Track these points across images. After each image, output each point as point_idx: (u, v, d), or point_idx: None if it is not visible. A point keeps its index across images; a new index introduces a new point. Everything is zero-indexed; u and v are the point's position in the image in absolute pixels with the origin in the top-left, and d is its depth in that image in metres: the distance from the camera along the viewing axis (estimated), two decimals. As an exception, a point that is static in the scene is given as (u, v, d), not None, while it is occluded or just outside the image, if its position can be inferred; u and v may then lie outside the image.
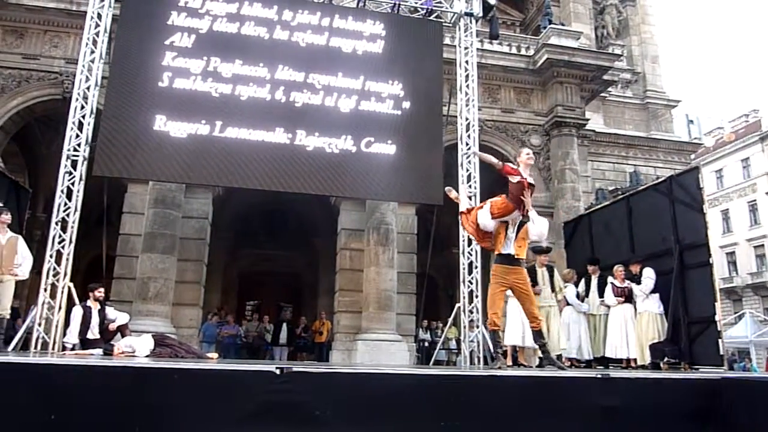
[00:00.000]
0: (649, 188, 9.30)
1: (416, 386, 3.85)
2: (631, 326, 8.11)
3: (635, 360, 8.01)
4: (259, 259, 18.89)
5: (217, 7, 8.87)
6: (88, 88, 8.45)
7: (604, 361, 8.56)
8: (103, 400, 3.30)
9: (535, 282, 8.37)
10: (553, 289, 8.44)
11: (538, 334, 5.99)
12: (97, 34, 8.63)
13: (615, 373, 5.00)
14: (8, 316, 7.00)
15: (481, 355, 8.73)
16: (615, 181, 17.83)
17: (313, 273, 18.50)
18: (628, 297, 8.19)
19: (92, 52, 8.57)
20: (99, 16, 8.69)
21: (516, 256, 5.83)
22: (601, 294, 8.59)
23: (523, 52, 14.30)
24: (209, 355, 8.34)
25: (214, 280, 15.71)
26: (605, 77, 14.75)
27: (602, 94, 16.81)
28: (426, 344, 14.43)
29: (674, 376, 4.95)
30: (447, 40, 10.91)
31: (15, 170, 13.68)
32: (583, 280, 8.96)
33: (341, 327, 12.67)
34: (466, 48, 9.85)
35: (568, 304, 8.72)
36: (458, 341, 12.28)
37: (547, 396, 4.03)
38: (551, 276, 8.51)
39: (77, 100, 8.36)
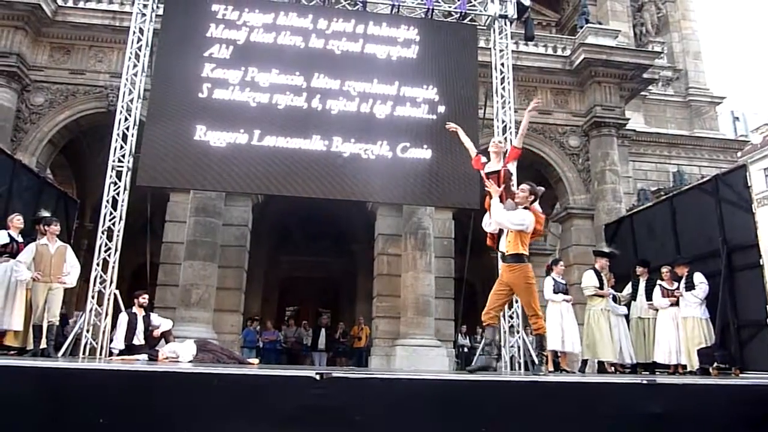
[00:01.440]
0: (693, 188, 9.01)
1: (456, 392, 3.82)
2: (681, 330, 7.84)
3: (684, 366, 7.76)
4: (298, 266, 19.08)
5: (254, 18, 9.04)
6: (131, 101, 8.73)
7: (651, 367, 8.32)
8: (148, 404, 3.38)
9: (601, 286, 8.28)
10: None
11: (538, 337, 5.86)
12: (139, 48, 8.92)
13: (661, 378, 4.85)
14: (58, 323, 7.23)
15: (521, 361, 8.60)
16: (657, 181, 17.35)
17: (351, 278, 18.58)
18: (677, 299, 7.92)
19: (135, 65, 8.85)
20: (141, 30, 8.97)
21: (506, 253, 5.48)
22: (649, 297, 8.33)
23: (559, 52, 14.09)
24: (250, 360, 8.46)
25: (254, 286, 15.93)
26: (645, 75, 14.39)
27: (642, 93, 16.41)
28: (465, 350, 14.32)
29: (725, 382, 4.78)
30: (482, 43, 10.87)
31: (63, 181, 14.21)
32: (630, 283, 8.74)
33: (380, 332, 12.67)
34: (501, 50, 9.77)
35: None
36: (498, 347, 12.14)
37: (589, 402, 3.94)
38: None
39: (121, 112, 8.64)
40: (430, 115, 9.11)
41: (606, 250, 8.98)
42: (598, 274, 8.41)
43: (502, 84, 9.68)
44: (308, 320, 15.22)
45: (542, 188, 5.78)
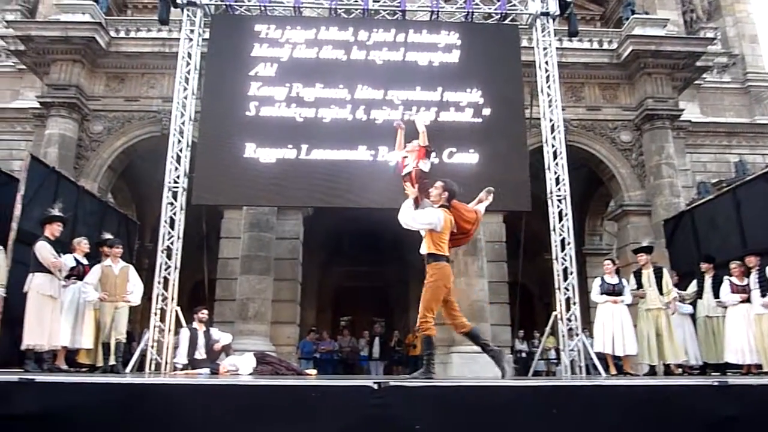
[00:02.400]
0: (758, 177, 8.58)
1: (516, 398, 3.75)
2: (755, 328, 7.42)
3: (758, 366, 7.35)
4: (351, 276, 19.21)
5: (296, 35, 9.22)
6: (183, 123, 9.03)
7: (722, 368, 7.94)
8: (212, 417, 3.46)
9: (639, 285, 7.99)
10: (661, 292, 7.96)
11: (471, 336, 5.59)
12: (188, 72, 9.22)
13: (734, 379, 4.62)
14: (125, 340, 7.52)
15: (582, 365, 8.38)
16: (718, 172, 16.60)
17: (403, 286, 18.55)
18: (748, 296, 7.52)
19: (185, 89, 9.15)
20: (189, 55, 9.28)
21: (424, 253, 5.29)
22: (716, 294, 7.94)
23: (605, 46, 13.74)
24: (308, 371, 8.56)
25: (309, 297, 16.14)
26: (698, 63, 13.84)
27: (697, 82, 15.75)
28: (523, 355, 14.06)
29: (805, 382, 4.50)
30: (524, 42, 10.72)
31: (124, 204, 14.81)
32: (694, 281, 8.39)
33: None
34: (545, 48, 9.61)
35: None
36: (557, 351, 11.86)
37: (656, 405, 3.79)
38: (659, 277, 8.03)
39: (174, 135, 8.95)
40: (475, 118, 9.03)
41: (644, 243, 8.66)
42: (637, 273, 8.12)
43: (547, 82, 9.51)
44: (363, 330, 15.27)
45: (455, 184, 5.47)
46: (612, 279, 8.06)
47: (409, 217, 5.21)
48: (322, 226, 16.34)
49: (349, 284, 19.50)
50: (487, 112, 9.05)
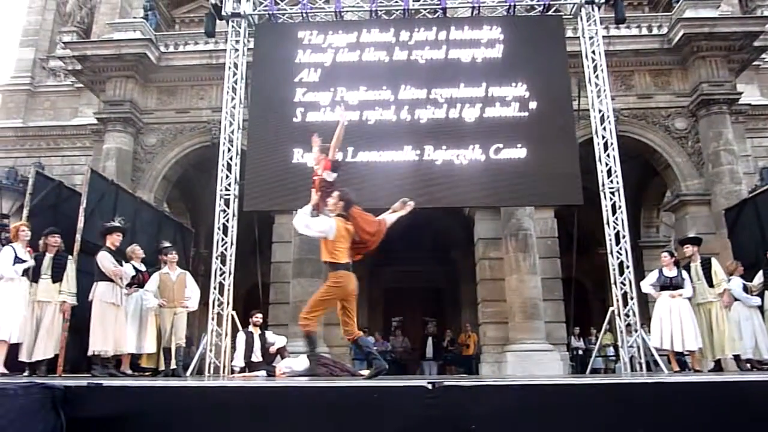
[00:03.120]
0: (827, 160, 8.12)
1: (574, 397, 3.66)
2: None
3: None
4: (400, 276, 19.22)
5: (338, 39, 9.30)
6: (232, 132, 9.25)
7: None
8: (270, 419, 3.52)
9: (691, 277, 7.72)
10: (711, 284, 7.65)
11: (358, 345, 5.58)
12: (235, 81, 9.45)
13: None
14: (184, 345, 7.77)
15: (642, 361, 8.12)
16: (782, 157, 15.78)
17: (453, 285, 18.46)
18: None
19: (233, 98, 9.38)
20: (235, 65, 9.50)
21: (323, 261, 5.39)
22: None
23: (655, 31, 13.27)
24: (361, 372, 8.60)
25: (360, 299, 16.11)
26: (756, 44, 13.19)
27: (755, 63, 15.02)
28: (580, 352, 13.74)
29: None
30: (569, 33, 10.49)
31: (179, 213, 15.29)
32: (761, 272, 8.01)
33: (488, 339, 12.45)
34: (591, 37, 9.38)
35: (735, 299, 7.83)
36: (615, 347, 11.54)
37: (724, 402, 3.63)
38: (707, 269, 7.72)
39: (224, 144, 9.18)
40: (521, 112, 8.89)
41: (690, 235, 8.33)
42: (686, 267, 7.85)
43: (595, 72, 9.27)
44: (414, 330, 15.25)
45: (352, 194, 5.57)
46: (670, 272, 7.77)
47: (302, 224, 5.36)
48: (371, 228, 16.38)
49: (399, 285, 19.52)
50: (533, 105, 8.90)
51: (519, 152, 8.73)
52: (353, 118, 8.94)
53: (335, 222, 5.20)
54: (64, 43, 15.86)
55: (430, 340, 14.28)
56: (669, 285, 7.66)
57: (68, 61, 14.67)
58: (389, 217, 5.81)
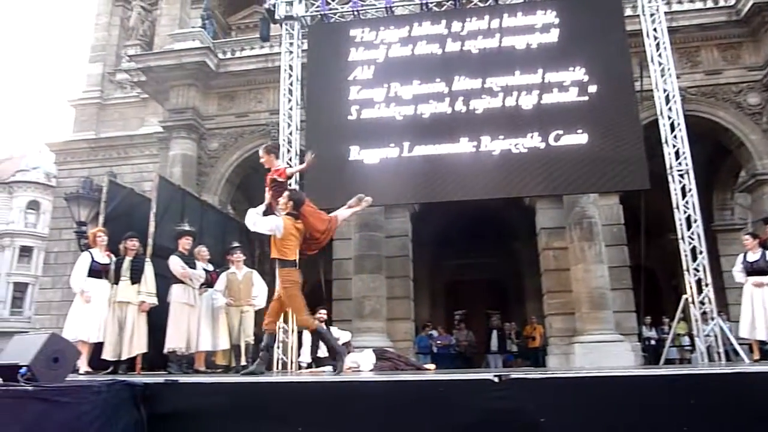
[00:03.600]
0: None
1: (647, 388, 3.54)
2: None
3: None
4: (461, 269, 19.09)
5: (390, 35, 9.31)
6: (290, 133, 9.44)
7: None
8: (338, 413, 3.59)
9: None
10: None
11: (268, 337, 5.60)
12: (291, 83, 9.63)
13: None
14: (253, 342, 8.00)
15: (721, 350, 7.75)
16: None
17: (516, 277, 18.16)
18: None
19: (289, 100, 9.56)
20: (290, 67, 9.68)
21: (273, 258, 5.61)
22: None
23: (721, 3, 12.56)
24: (427, 366, 8.62)
25: (421, 293, 16.23)
26: (836, 8, 12.28)
27: (836, 29, 13.99)
28: (652, 342, 13.25)
29: None
30: (628, 11, 10.09)
31: (242, 215, 15.65)
32: None
33: (554, 330, 12.19)
34: (652, 15, 9.00)
35: None
36: (690, 336, 11.05)
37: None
38: None
39: (283, 144, 9.38)
40: (580, 97, 8.64)
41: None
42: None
43: (657, 50, 8.89)
44: (477, 323, 15.12)
45: (302, 195, 5.88)
46: (753, 255, 7.36)
47: (251, 222, 5.65)
48: (429, 222, 16.39)
49: (460, 278, 19.39)
50: (593, 89, 8.62)
51: (580, 138, 8.49)
52: (408, 113, 8.94)
53: (283, 221, 5.40)
54: (128, 56, 16.62)
55: (494, 333, 14.12)
56: (751, 270, 7.27)
57: (133, 73, 15.36)
58: (341, 214, 6.09)
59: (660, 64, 8.86)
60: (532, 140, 8.54)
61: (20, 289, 35.87)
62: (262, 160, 6.39)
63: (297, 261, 5.51)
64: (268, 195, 6.07)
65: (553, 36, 8.96)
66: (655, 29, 8.95)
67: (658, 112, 8.80)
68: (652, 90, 9.01)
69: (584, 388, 3.54)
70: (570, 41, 8.92)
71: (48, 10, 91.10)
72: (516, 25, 9.08)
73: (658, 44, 8.91)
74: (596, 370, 4.68)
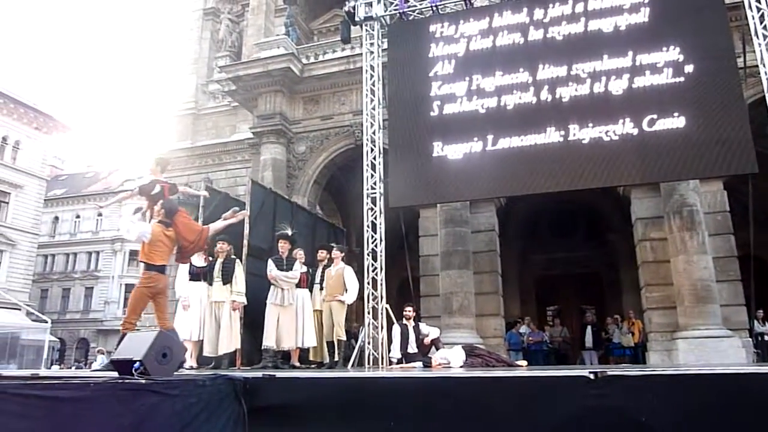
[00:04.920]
0: None
1: (760, 386, 3.29)
2: None
3: None
4: (551, 263, 18.57)
5: (470, 28, 9.20)
6: (374, 133, 9.57)
7: None
8: (430, 409, 3.61)
9: None
10: None
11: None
12: (373, 83, 9.76)
13: None
14: (344, 338, 8.20)
15: None
16: None
17: (611, 270, 17.41)
18: None
19: (372, 100, 9.69)
20: (372, 67, 9.81)
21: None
22: None
23: (838, -36, 11.40)
24: (518, 362, 8.46)
25: (510, 288, 15.95)
26: None
27: None
28: (766, 338, 12.27)
29: None
30: (727, -17, 9.38)
31: (330, 215, 16.16)
32: None
33: (654, 325, 11.58)
34: (755, -16, 8.30)
35: None
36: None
37: None
38: None
39: (367, 144, 9.52)
40: (676, 78, 8.12)
41: None
42: None
43: (762, 23, 8.20)
44: (571, 318, 14.64)
45: (174, 204, 6.13)
46: None
47: (125, 228, 6.13)
48: (516, 216, 16.09)
49: (551, 272, 18.86)
50: (689, 68, 8.08)
51: (677, 121, 7.99)
52: (491, 105, 8.80)
53: (151, 228, 5.78)
54: (219, 67, 17.51)
55: (589, 329, 13.61)
56: None
57: (224, 83, 16.16)
58: (215, 226, 6.47)
59: (765, 36, 8.15)
60: (624, 127, 8.13)
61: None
62: (149, 171, 6.87)
63: (164, 267, 5.84)
64: (144, 203, 6.66)
65: (643, 15, 8.49)
66: (758, 0, 8.26)
67: (765, 90, 8.11)
68: (756, 66, 8.32)
69: (690, 387, 3.36)
70: (662, 19, 8.41)
71: (132, 27, 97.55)
72: (602, 8, 8.68)
73: (762, 15, 8.21)
74: (702, 367, 4.40)
